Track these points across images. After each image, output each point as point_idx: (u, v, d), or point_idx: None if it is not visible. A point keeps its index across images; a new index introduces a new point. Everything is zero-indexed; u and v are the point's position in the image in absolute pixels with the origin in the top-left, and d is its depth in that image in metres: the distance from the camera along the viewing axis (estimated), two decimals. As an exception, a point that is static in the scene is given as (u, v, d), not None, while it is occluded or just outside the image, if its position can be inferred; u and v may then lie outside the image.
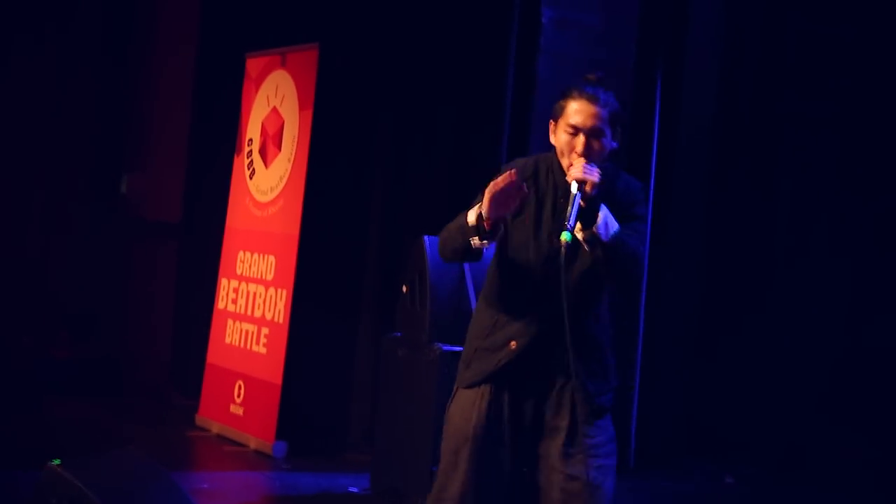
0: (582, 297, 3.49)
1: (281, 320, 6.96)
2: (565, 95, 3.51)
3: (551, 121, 3.56)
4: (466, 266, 5.90)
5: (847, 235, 7.20)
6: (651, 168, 6.99)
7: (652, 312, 7.02)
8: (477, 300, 3.83)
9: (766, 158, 7.49)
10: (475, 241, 3.35)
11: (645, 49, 6.98)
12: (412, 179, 7.14)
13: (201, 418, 7.65)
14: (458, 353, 5.58)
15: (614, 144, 3.52)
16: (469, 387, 3.59)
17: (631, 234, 3.46)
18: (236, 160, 7.73)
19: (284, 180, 7.11)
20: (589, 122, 3.44)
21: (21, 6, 9.90)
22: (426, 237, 5.77)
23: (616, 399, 6.83)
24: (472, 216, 3.37)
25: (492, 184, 3.31)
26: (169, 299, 9.26)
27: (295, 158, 7.03)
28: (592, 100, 3.45)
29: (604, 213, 3.35)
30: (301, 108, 7.04)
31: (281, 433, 6.84)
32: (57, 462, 4.81)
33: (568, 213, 3.29)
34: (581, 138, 3.44)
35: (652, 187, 7.00)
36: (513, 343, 3.50)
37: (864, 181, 7.21)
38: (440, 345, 5.72)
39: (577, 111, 3.45)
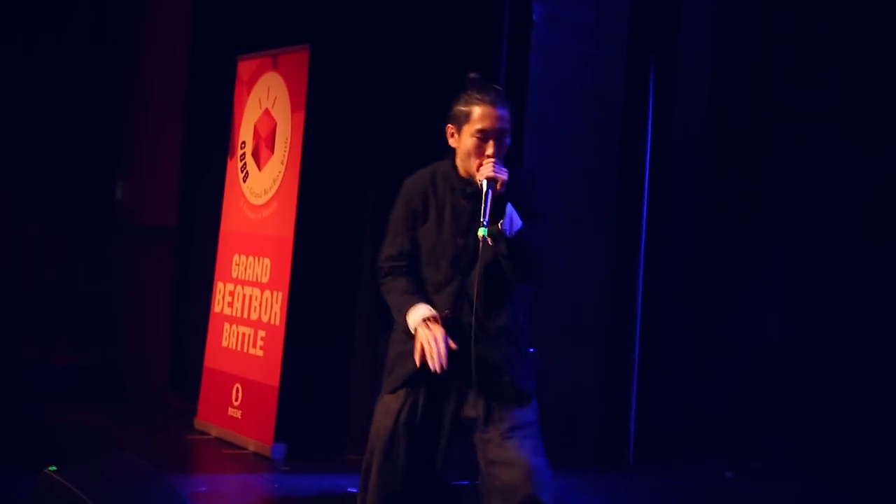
0: (492, 291, 3.70)
1: (277, 322, 6.96)
2: (467, 102, 3.73)
3: (450, 125, 3.77)
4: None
5: (844, 229, 7.18)
6: (645, 164, 6.98)
7: (648, 308, 7.02)
8: None
9: (760, 153, 7.46)
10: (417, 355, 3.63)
11: (637, 44, 6.98)
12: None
13: (200, 422, 7.65)
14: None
15: (509, 143, 3.77)
16: (391, 392, 3.81)
17: (533, 230, 3.67)
18: (230, 163, 7.73)
19: (278, 182, 7.11)
20: (496, 125, 3.68)
21: (13, 13, 9.90)
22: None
23: (613, 395, 6.88)
24: (416, 313, 3.67)
25: (429, 342, 3.59)
26: (166, 304, 9.27)
27: (288, 160, 7.03)
28: (494, 104, 3.69)
29: (509, 211, 3.60)
30: (293, 109, 7.03)
31: (279, 435, 6.84)
32: (53, 468, 4.81)
33: (482, 211, 3.54)
34: (490, 142, 3.66)
35: (646, 184, 6.99)
36: (440, 313, 3.70)
37: (860, 173, 7.19)
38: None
39: (482, 116, 3.67)
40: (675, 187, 7.18)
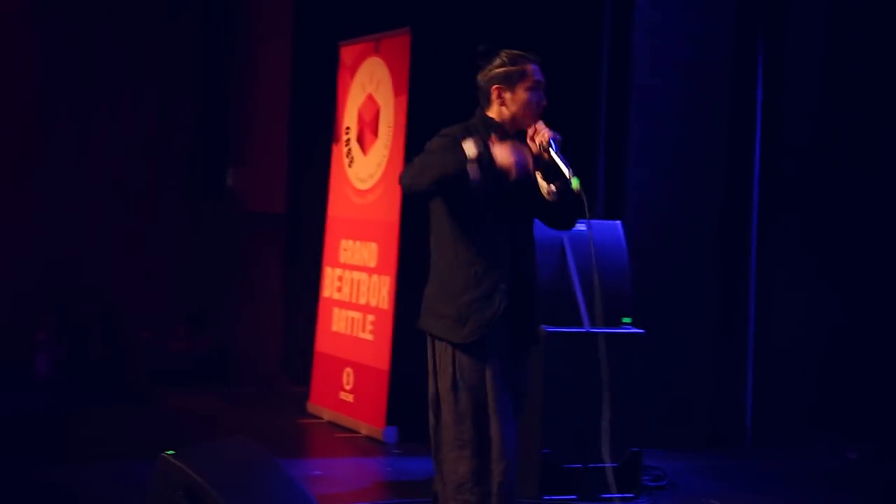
0: (528, 244, 3.99)
1: (386, 306, 6.99)
2: (514, 62, 3.93)
3: (498, 86, 3.90)
4: (568, 247, 5.87)
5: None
6: (755, 141, 6.86)
7: (763, 287, 6.91)
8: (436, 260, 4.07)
9: (875, 126, 7.21)
10: (473, 168, 3.60)
11: (744, 18, 6.83)
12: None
13: (312, 405, 7.75)
14: (563, 333, 5.67)
15: None
16: (473, 342, 3.79)
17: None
18: (335, 149, 7.79)
19: (383, 167, 7.14)
20: (542, 80, 3.97)
21: (126, 5, 10.12)
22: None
23: (728, 375, 6.79)
24: (472, 149, 3.64)
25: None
26: (277, 289, 9.40)
27: (392, 144, 7.05)
28: (538, 62, 3.98)
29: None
30: (396, 93, 7.04)
31: (391, 418, 6.88)
32: (171, 452, 4.91)
33: (565, 165, 3.76)
34: (536, 102, 3.92)
35: (757, 161, 6.85)
36: (502, 286, 3.81)
37: None
38: (543, 326, 5.68)
39: (534, 71, 3.95)
40: (786, 164, 7.01)
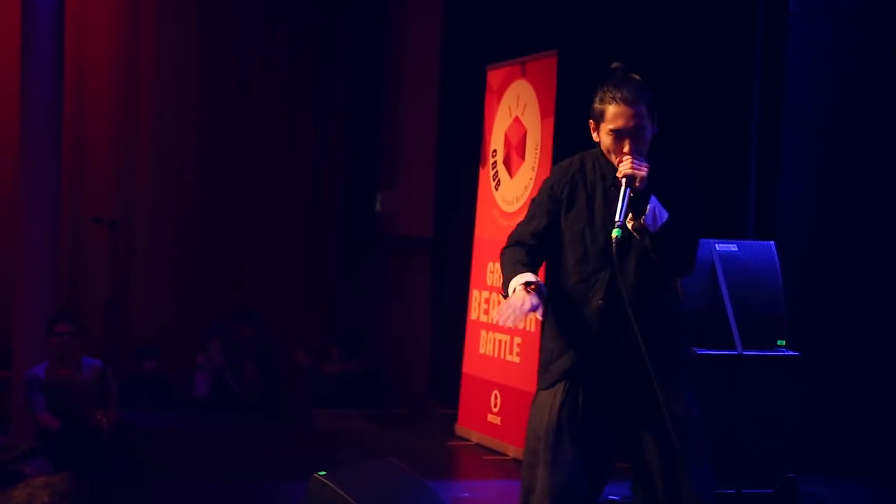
0: (641, 283, 3.61)
1: (533, 329, 6.94)
2: (601, 99, 3.63)
3: (591, 121, 3.66)
4: (719, 268, 5.77)
5: None
6: None
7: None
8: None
9: None
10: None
11: None
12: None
13: (461, 428, 7.74)
14: (715, 355, 5.56)
15: (656, 130, 3.66)
16: (547, 388, 3.68)
17: (679, 222, 3.55)
18: (482, 172, 7.79)
19: (530, 189, 7.10)
20: (630, 124, 3.57)
21: (286, 34, 10.39)
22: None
23: (887, 400, 6.53)
24: (511, 285, 3.55)
25: (516, 302, 3.49)
26: (425, 312, 9.48)
27: (539, 166, 7.02)
28: (627, 101, 3.57)
29: (652, 205, 3.51)
30: (543, 116, 7.02)
31: None
32: (322, 473, 4.98)
33: (619, 210, 3.48)
34: (626, 140, 3.57)
35: None
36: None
37: None
38: (694, 348, 5.59)
39: (615, 115, 3.58)
40: None
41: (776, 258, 5.89)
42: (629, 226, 3.51)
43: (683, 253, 3.64)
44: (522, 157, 7.26)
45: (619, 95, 3.58)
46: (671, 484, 3.60)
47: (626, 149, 3.56)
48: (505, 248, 3.78)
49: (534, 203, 3.80)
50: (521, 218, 7.13)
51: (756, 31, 6.58)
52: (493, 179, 7.63)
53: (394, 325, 10.08)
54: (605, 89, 3.62)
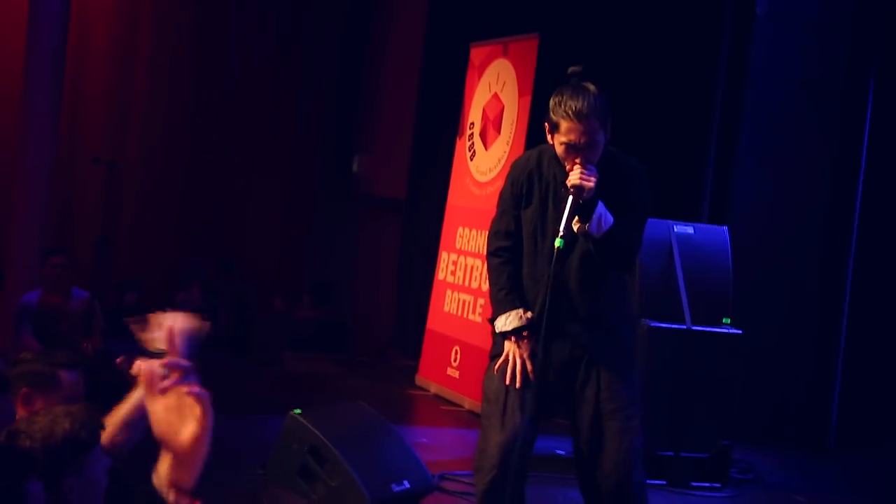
0: (584, 277, 3.65)
1: (494, 289, 7.01)
2: (554, 111, 3.55)
3: (546, 124, 3.60)
4: (675, 248, 5.83)
5: None
6: (861, 156, 6.68)
7: (857, 300, 6.76)
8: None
9: None
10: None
11: (860, 39, 6.66)
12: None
13: (421, 378, 7.80)
14: (666, 328, 5.63)
15: (608, 137, 3.59)
16: (493, 357, 3.79)
17: (623, 227, 3.58)
18: (458, 142, 7.82)
19: (503, 162, 7.14)
20: (582, 140, 3.51)
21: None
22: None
23: (819, 381, 6.65)
24: (505, 323, 3.67)
25: (512, 360, 3.65)
26: (393, 269, 9.51)
27: (513, 141, 7.06)
28: (580, 117, 3.49)
29: (598, 211, 3.53)
30: (520, 94, 7.05)
31: None
32: (298, 411, 5.01)
33: (564, 221, 3.51)
34: (577, 153, 3.51)
35: (861, 176, 6.69)
36: (529, 314, 3.68)
37: None
38: (648, 321, 5.66)
39: (567, 130, 3.50)
40: (891, 182, 6.79)
41: (728, 242, 5.93)
42: (574, 229, 3.52)
43: (623, 255, 3.69)
44: (498, 131, 7.29)
45: (572, 111, 3.49)
46: (595, 449, 3.70)
47: (578, 159, 3.51)
48: (488, 255, 3.85)
49: (501, 198, 3.85)
50: (492, 188, 7.38)
51: (724, 33, 6.61)
52: (469, 150, 7.65)
53: (363, 279, 10.11)
54: (560, 100, 3.53)
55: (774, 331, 6.47)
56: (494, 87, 7.41)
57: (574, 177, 3.47)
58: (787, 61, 6.56)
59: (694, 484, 5.60)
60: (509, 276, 3.74)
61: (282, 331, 9.30)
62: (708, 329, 5.70)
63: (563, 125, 3.50)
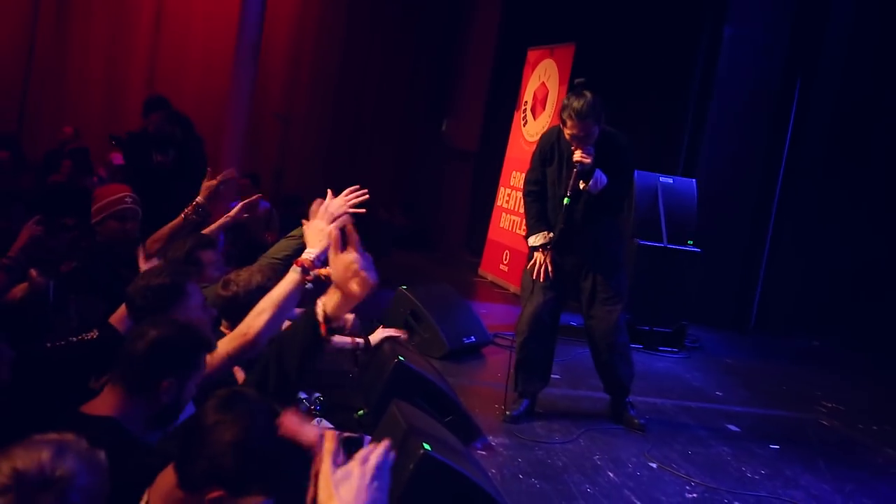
0: (587, 217, 3.72)
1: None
2: (563, 109, 3.54)
3: (560, 116, 3.58)
4: (660, 192, 5.83)
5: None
6: (784, 145, 6.56)
7: (780, 226, 6.70)
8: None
9: (873, 142, 6.79)
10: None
11: (791, 60, 6.51)
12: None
13: (482, 271, 7.90)
14: (649, 245, 5.68)
15: (601, 127, 3.56)
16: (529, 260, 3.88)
17: (615, 184, 3.63)
18: (516, 114, 7.80)
19: (545, 128, 7.02)
20: (581, 133, 3.52)
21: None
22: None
23: (746, 277, 6.56)
24: (535, 240, 3.75)
25: (539, 264, 3.74)
26: (464, 198, 9.54)
27: (553, 115, 7.02)
28: (580, 117, 3.49)
29: (596, 176, 3.57)
30: (560, 84, 7.01)
31: None
32: (405, 287, 5.18)
33: (570, 185, 3.58)
34: (577, 140, 3.53)
35: (784, 157, 6.57)
36: (551, 234, 3.74)
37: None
38: (637, 239, 5.72)
39: (571, 126, 3.56)
40: (803, 159, 6.66)
41: (695, 190, 5.93)
42: (580, 187, 3.62)
43: (613, 203, 3.76)
44: (544, 107, 7.27)
45: (574, 112, 3.50)
46: (594, 321, 3.87)
47: (577, 146, 3.58)
48: (524, 195, 3.92)
49: (533, 156, 3.93)
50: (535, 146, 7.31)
51: (698, 52, 6.48)
52: (523, 119, 7.64)
53: (445, 203, 10.16)
54: (567, 104, 3.54)
55: (720, 249, 6.42)
56: (542, 77, 7.38)
57: (577, 156, 3.58)
58: (743, 74, 6.44)
59: (661, 349, 5.71)
60: (537, 209, 3.84)
61: (382, 232, 9.34)
62: (677, 247, 5.74)
63: (568, 122, 3.54)
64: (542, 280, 3.80)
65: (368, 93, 10.48)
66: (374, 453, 1.29)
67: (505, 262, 7.49)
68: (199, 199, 3.52)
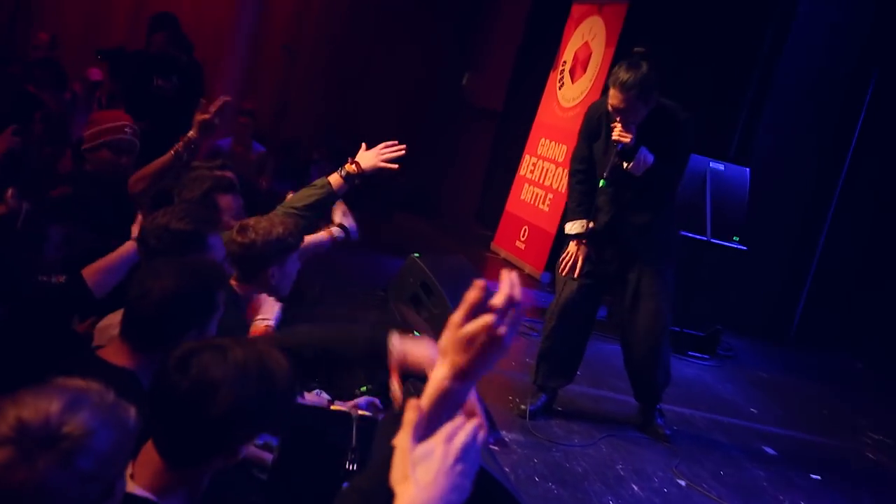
0: (636, 200, 3.66)
1: (563, 190, 6.98)
2: (609, 76, 3.50)
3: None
4: (708, 178, 5.78)
5: None
6: (854, 133, 6.49)
7: (835, 231, 6.65)
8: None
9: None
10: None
11: (866, 52, 6.39)
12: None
13: (495, 246, 7.86)
14: (691, 238, 5.60)
15: (651, 105, 3.48)
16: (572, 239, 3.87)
17: (664, 164, 3.53)
18: (552, 74, 7.70)
19: (584, 94, 7.07)
20: (622, 105, 3.44)
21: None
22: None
23: (790, 290, 6.52)
24: (571, 228, 3.73)
25: (571, 257, 3.76)
26: (482, 163, 9.42)
27: (595, 80, 6.95)
28: (624, 88, 3.40)
29: (638, 156, 3.49)
30: (606, 45, 6.91)
31: (548, 267, 6.92)
32: (417, 255, 5.13)
33: (608, 167, 3.53)
34: (617, 113, 3.46)
35: (847, 163, 6.51)
36: (591, 223, 3.71)
37: None
38: (679, 230, 5.60)
39: (612, 95, 3.48)
40: (870, 159, 6.55)
41: (748, 180, 5.88)
42: (624, 167, 3.54)
43: (662, 186, 3.66)
44: (584, 70, 7.18)
45: (619, 81, 3.42)
46: (638, 309, 3.80)
47: (616, 122, 3.50)
48: (570, 172, 3.88)
49: (580, 131, 3.86)
50: (572, 113, 7.29)
51: (771, 18, 6.37)
52: (559, 81, 7.56)
53: (459, 164, 10.06)
54: (616, 70, 3.49)
55: (765, 250, 6.35)
56: (587, 36, 7.27)
57: (615, 133, 3.51)
58: (815, 48, 6.34)
59: (690, 353, 5.68)
60: (581, 192, 3.77)
61: (389, 193, 9.25)
62: (721, 242, 5.69)
63: (611, 91, 3.46)
64: (566, 275, 3.76)
65: (383, 32, 10.30)
66: (462, 431, 1.18)
67: (522, 239, 7.44)
68: (190, 133, 3.42)
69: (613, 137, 3.48)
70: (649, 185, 3.60)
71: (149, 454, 1.45)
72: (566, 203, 3.87)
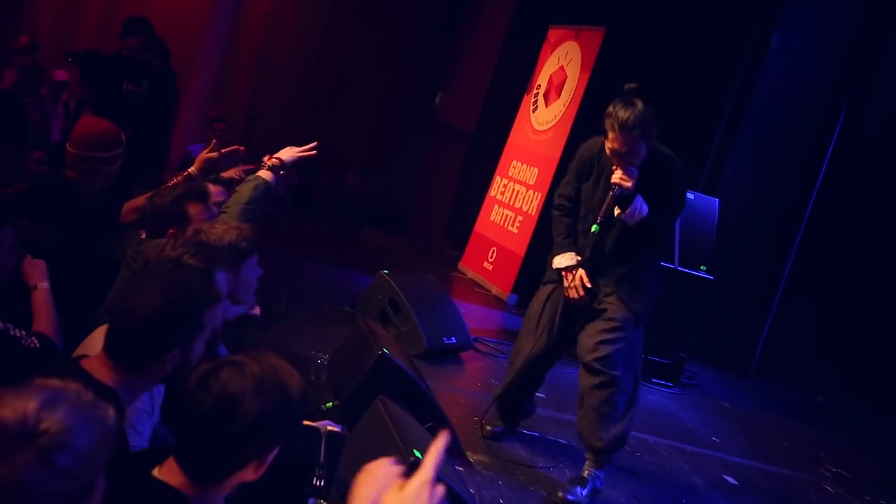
0: (619, 249, 3.48)
1: (533, 213, 7.07)
2: (606, 118, 3.26)
3: (604, 126, 3.34)
4: (678, 228, 5.82)
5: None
6: (822, 168, 6.59)
7: (799, 265, 6.74)
8: None
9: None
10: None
11: (840, 80, 6.52)
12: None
13: (462, 266, 7.85)
14: (661, 267, 5.63)
15: (650, 145, 3.32)
16: (545, 284, 3.73)
17: (657, 216, 3.34)
18: (525, 97, 7.75)
19: (557, 118, 7.13)
20: (623, 149, 3.25)
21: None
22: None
23: (752, 323, 6.56)
24: (560, 261, 3.56)
25: (573, 283, 3.53)
26: (451, 183, 9.45)
27: (569, 105, 7.01)
28: (624, 129, 3.21)
29: (634, 205, 3.30)
30: (582, 71, 6.97)
31: (515, 289, 6.97)
32: (386, 272, 5.13)
33: (602, 210, 3.35)
34: (618, 157, 3.28)
35: (819, 179, 6.61)
36: (579, 257, 3.55)
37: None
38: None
39: (612, 139, 3.25)
40: (838, 194, 6.68)
41: (717, 211, 5.93)
42: (615, 214, 3.38)
43: (652, 239, 3.48)
44: (559, 95, 7.23)
45: (617, 123, 3.22)
46: (583, 336, 3.57)
47: (617, 165, 3.31)
48: (554, 209, 3.71)
49: (570, 168, 3.70)
50: (545, 136, 7.31)
51: (742, 58, 6.47)
52: (533, 104, 7.60)
53: (429, 183, 10.07)
54: (611, 111, 3.25)
55: (731, 280, 6.41)
56: (562, 61, 7.33)
57: (615, 177, 3.31)
58: (787, 81, 6.45)
59: (654, 380, 5.72)
60: (567, 226, 3.63)
61: (357, 209, 9.24)
62: (689, 271, 5.73)
63: (610, 134, 3.27)
64: (581, 297, 3.52)
65: (359, 45, 10.34)
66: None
67: (490, 260, 7.45)
68: (191, 169, 3.36)
69: (613, 181, 3.29)
70: (637, 236, 3.43)
71: (171, 473, 1.48)
72: (553, 238, 3.69)
